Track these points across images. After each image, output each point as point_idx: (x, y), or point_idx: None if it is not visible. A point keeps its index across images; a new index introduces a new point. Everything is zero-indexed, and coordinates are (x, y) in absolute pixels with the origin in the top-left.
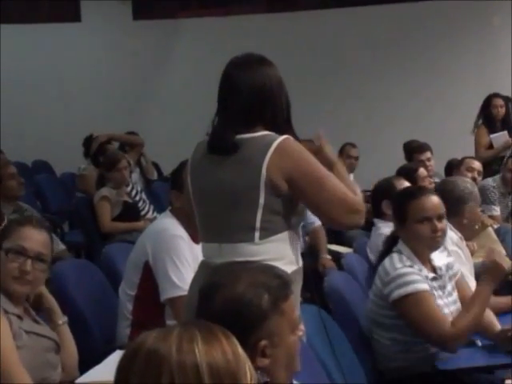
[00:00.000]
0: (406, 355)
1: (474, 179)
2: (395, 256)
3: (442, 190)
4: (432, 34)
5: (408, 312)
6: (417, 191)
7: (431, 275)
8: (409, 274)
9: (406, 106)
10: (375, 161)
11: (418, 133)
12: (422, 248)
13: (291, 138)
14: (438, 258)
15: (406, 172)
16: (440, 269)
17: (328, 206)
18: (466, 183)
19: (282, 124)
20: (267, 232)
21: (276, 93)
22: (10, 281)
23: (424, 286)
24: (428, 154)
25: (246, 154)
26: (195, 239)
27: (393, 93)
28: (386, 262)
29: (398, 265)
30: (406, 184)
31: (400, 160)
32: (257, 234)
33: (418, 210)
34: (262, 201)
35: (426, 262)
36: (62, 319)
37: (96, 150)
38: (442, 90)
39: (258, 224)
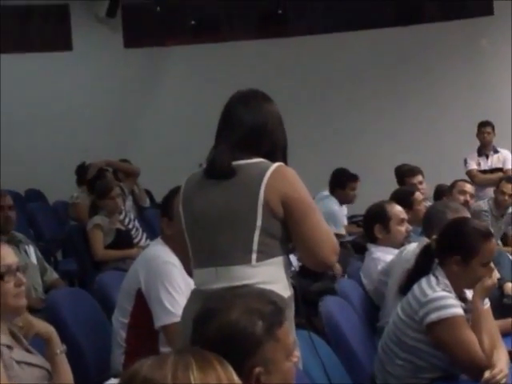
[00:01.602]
0: (412, 380)
1: (466, 202)
2: (432, 278)
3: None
4: (425, 59)
5: (443, 336)
6: (489, 232)
7: (462, 306)
8: (447, 297)
9: (397, 131)
10: (367, 185)
11: (410, 157)
12: (467, 285)
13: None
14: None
15: (402, 195)
16: (470, 302)
17: (319, 239)
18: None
19: (278, 159)
20: (264, 255)
21: (275, 130)
22: (11, 300)
23: (461, 312)
24: (419, 178)
25: (244, 177)
26: (185, 269)
27: (385, 118)
28: (424, 282)
29: (437, 287)
30: (398, 208)
31: (392, 184)
32: (254, 257)
33: (489, 253)
34: (259, 223)
35: (459, 293)
36: (59, 348)
37: (93, 177)
38: (435, 114)
39: (255, 246)
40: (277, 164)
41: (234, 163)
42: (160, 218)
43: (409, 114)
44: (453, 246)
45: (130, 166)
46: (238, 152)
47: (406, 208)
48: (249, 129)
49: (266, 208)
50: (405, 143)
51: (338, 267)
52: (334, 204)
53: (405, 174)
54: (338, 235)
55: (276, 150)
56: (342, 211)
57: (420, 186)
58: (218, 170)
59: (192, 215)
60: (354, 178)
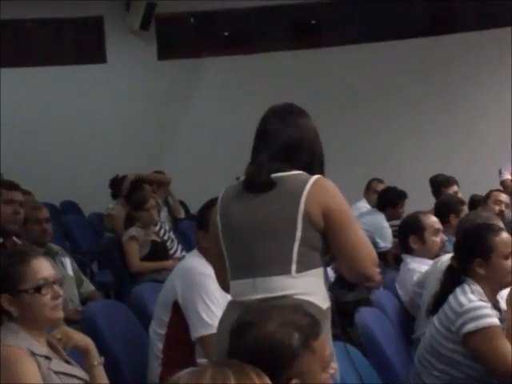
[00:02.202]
0: None
1: (501, 212)
2: (467, 288)
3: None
4: (459, 69)
5: (481, 346)
6: (496, 226)
7: (498, 316)
8: (483, 307)
9: (432, 142)
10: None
11: (445, 168)
12: (500, 284)
13: None
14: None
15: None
16: (504, 311)
17: (359, 250)
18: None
19: (316, 171)
20: (304, 266)
21: (312, 143)
22: (48, 313)
23: (497, 321)
24: (455, 188)
25: (284, 189)
26: (219, 281)
27: (420, 129)
28: (459, 292)
29: (473, 297)
30: (433, 219)
31: (426, 195)
32: (293, 267)
33: (504, 244)
34: (299, 234)
35: (493, 303)
36: (97, 360)
37: (130, 188)
38: (470, 124)
39: (294, 257)
40: (316, 176)
41: (273, 176)
42: (196, 230)
43: (444, 125)
44: (469, 250)
45: (160, 176)
46: (276, 164)
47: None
48: (285, 143)
49: (307, 219)
50: (440, 154)
51: (379, 277)
52: (382, 220)
53: (441, 184)
54: (385, 251)
55: (314, 163)
56: None
57: None
58: (257, 183)
59: (230, 226)
60: (403, 195)
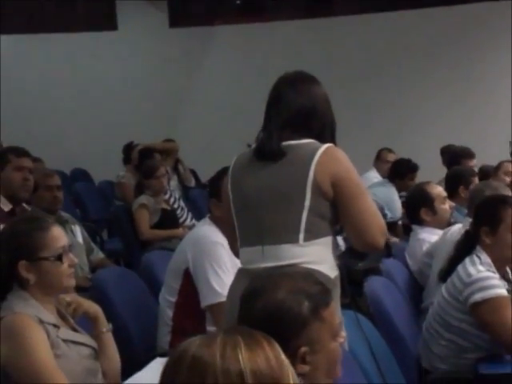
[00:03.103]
0: (456, 360)
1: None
2: (476, 259)
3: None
4: (472, 40)
5: (488, 316)
6: (509, 199)
7: (506, 287)
8: (491, 278)
9: (443, 113)
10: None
11: (455, 139)
12: (505, 257)
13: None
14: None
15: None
16: None
17: (368, 220)
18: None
19: (328, 140)
20: (312, 234)
21: (324, 112)
22: (65, 281)
23: (505, 292)
24: (475, 161)
25: (294, 157)
26: (233, 250)
27: (431, 99)
28: (467, 262)
29: (481, 267)
30: (439, 188)
31: (436, 165)
32: (301, 236)
33: None
34: (307, 203)
35: (502, 273)
36: (106, 327)
37: (139, 159)
38: (481, 96)
39: (303, 226)
40: (327, 145)
41: (284, 144)
42: (208, 198)
43: (455, 96)
44: (479, 219)
45: (168, 144)
46: (287, 133)
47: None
48: (297, 112)
49: (316, 188)
50: (451, 125)
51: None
52: (393, 193)
53: (462, 155)
54: (394, 222)
55: (325, 132)
56: None
57: None
58: (267, 152)
59: (241, 195)
60: (414, 168)
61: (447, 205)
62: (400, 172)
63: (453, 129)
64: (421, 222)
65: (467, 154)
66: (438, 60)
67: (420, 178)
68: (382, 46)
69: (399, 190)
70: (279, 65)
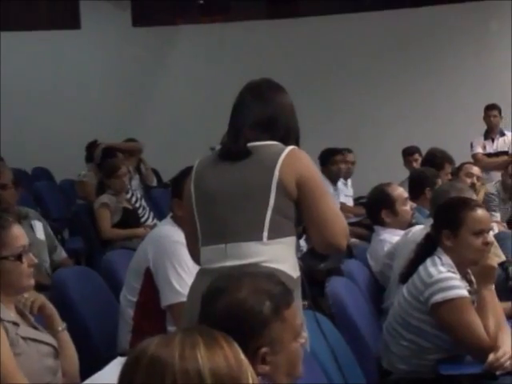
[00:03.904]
0: (417, 360)
1: (473, 185)
2: (437, 259)
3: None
4: (436, 40)
5: (448, 317)
6: (473, 202)
7: (467, 288)
8: (452, 278)
9: (406, 114)
10: (376, 167)
11: (418, 140)
12: (467, 260)
13: None
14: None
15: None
16: (475, 283)
17: (331, 221)
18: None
19: (291, 143)
20: (275, 233)
21: (288, 121)
22: (25, 281)
23: (466, 293)
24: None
25: (259, 157)
26: (190, 250)
27: (392, 98)
28: (429, 263)
29: (442, 268)
30: (400, 189)
31: (398, 165)
32: (265, 234)
33: (475, 221)
34: (272, 202)
35: (464, 275)
36: (61, 326)
37: (101, 158)
38: (443, 96)
39: (267, 224)
40: (292, 147)
41: (250, 144)
42: (170, 198)
43: (418, 97)
44: (440, 221)
45: (131, 144)
46: (253, 134)
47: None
48: (261, 120)
49: (281, 188)
50: (414, 125)
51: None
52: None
53: (446, 159)
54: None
55: (289, 138)
56: (342, 190)
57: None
58: (233, 150)
59: (204, 193)
60: (334, 152)
61: (408, 206)
62: (322, 160)
63: (413, 129)
64: (382, 223)
65: (450, 158)
66: (402, 59)
67: (380, 178)
68: (344, 47)
69: (332, 180)
70: (243, 64)
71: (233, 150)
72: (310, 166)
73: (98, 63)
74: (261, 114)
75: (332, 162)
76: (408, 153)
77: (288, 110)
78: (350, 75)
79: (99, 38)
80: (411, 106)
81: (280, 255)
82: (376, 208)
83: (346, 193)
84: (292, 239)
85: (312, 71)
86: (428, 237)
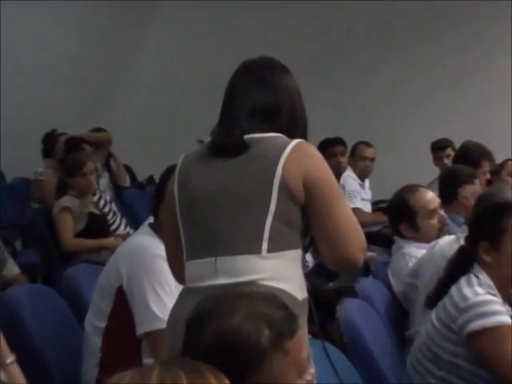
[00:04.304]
0: None
1: None
2: (474, 279)
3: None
4: (455, 20)
5: (487, 349)
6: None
7: (510, 313)
8: (492, 302)
9: (431, 100)
10: (395, 163)
11: (448, 130)
12: (510, 279)
13: None
14: None
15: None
16: None
17: (345, 231)
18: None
19: (297, 135)
20: (277, 245)
21: (293, 108)
22: None
23: (509, 320)
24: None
25: (258, 151)
26: (170, 263)
27: (418, 82)
28: (463, 283)
29: (480, 289)
30: (426, 197)
31: (425, 162)
32: (264, 246)
33: None
34: (273, 207)
35: (506, 297)
36: (10, 357)
37: (65, 151)
38: (475, 79)
39: (266, 233)
40: (298, 140)
41: (247, 136)
42: (153, 201)
43: (449, 81)
44: (477, 231)
45: (98, 134)
46: (251, 124)
47: None
48: (261, 107)
49: (284, 189)
50: (445, 115)
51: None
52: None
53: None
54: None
55: (295, 129)
56: (357, 193)
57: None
58: (227, 144)
59: (190, 196)
60: (329, 142)
61: (435, 220)
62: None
63: (444, 119)
64: (402, 236)
65: (488, 153)
66: (425, 42)
67: (404, 178)
68: (353, 26)
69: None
70: (234, 40)
71: (226, 143)
72: (320, 163)
73: (56, 37)
74: (261, 99)
75: (330, 155)
76: (438, 147)
77: (294, 95)
78: (356, 58)
79: (57, 6)
80: (441, 92)
81: (282, 272)
82: (395, 219)
83: (362, 196)
84: (297, 252)
85: (316, 51)
86: (462, 251)
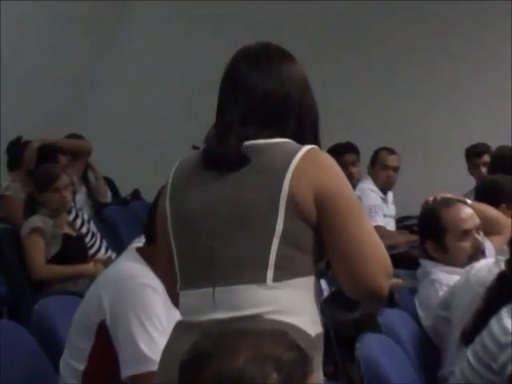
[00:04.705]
0: None
1: None
2: None
3: None
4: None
5: None
6: None
7: None
8: None
9: (463, 98)
10: (423, 172)
11: (485, 134)
12: None
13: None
14: None
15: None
16: None
17: (366, 254)
18: None
19: (309, 140)
20: (285, 272)
21: (301, 100)
22: None
23: None
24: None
25: (261, 163)
26: (172, 298)
27: (448, 81)
28: (504, 315)
29: None
30: (462, 214)
31: (460, 171)
32: (269, 274)
33: None
34: (280, 227)
35: None
36: None
37: (36, 162)
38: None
39: (272, 259)
40: (308, 146)
41: (247, 144)
42: (149, 221)
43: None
44: None
45: (77, 142)
46: (250, 129)
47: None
48: (264, 101)
49: (292, 206)
50: (482, 117)
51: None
52: None
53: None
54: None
55: (304, 128)
56: (379, 208)
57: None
58: (222, 156)
59: (183, 216)
60: (338, 150)
61: (469, 242)
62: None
63: (481, 122)
64: (431, 257)
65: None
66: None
67: (429, 191)
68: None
69: None
70: (229, 34)
71: (220, 154)
72: (335, 175)
73: (29, 29)
74: (262, 91)
75: (342, 162)
76: (474, 153)
77: (301, 85)
78: (391, 49)
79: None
80: (468, 91)
81: (292, 304)
82: (422, 235)
83: (384, 211)
84: (309, 280)
85: (329, 42)
86: (502, 277)
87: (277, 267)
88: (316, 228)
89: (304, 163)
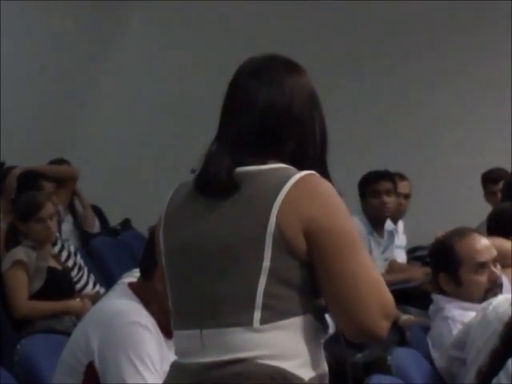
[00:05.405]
0: None
1: None
2: None
3: None
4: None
5: None
6: None
7: None
8: None
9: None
10: (436, 200)
11: (496, 158)
12: None
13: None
14: None
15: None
16: None
17: (362, 293)
18: None
19: (312, 163)
20: (274, 313)
21: (305, 115)
22: None
23: None
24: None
25: (251, 191)
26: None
27: (463, 97)
28: None
29: None
30: (478, 246)
31: (477, 198)
32: (257, 315)
33: None
34: (267, 263)
35: None
36: None
37: (17, 190)
38: None
39: (259, 299)
40: (304, 173)
41: (239, 170)
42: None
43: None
44: None
45: (62, 168)
46: (245, 153)
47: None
48: (262, 112)
49: (280, 240)
50: (499, 139)
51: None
52: (358, 224)
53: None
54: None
55: (306, 150)
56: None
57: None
58: (212, 184)
59: (176, 247)
60: (377, 176)
61: (485, 276)
62: (361, 187)
63: (498, 145)
64: (444, 292)
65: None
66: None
67: (442, 220)
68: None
69: (372, 220)
70: (226, 48)
71: (210, 180)
72: (329, 204)
73: (12, 43)
74: (261, 102)
75: (372, 193)
76: (491, 179)
77: (306, 97)
78: (404, 74)
79: (15, 6)
80: (494, 117)
81: (282, 347)
82: (434, 268)
83: (395, 242)
84: (300, 320)
85: (335, 54)
86: None
87: (265, 308)
88: (307, 262)
89: (295, 192)
